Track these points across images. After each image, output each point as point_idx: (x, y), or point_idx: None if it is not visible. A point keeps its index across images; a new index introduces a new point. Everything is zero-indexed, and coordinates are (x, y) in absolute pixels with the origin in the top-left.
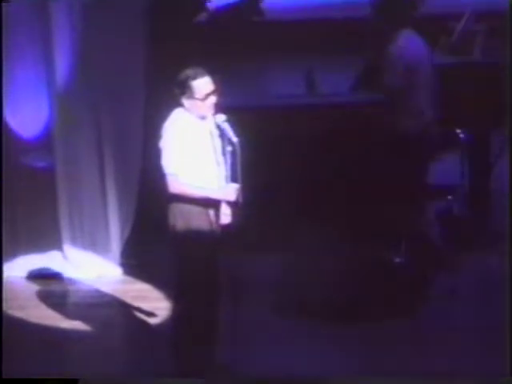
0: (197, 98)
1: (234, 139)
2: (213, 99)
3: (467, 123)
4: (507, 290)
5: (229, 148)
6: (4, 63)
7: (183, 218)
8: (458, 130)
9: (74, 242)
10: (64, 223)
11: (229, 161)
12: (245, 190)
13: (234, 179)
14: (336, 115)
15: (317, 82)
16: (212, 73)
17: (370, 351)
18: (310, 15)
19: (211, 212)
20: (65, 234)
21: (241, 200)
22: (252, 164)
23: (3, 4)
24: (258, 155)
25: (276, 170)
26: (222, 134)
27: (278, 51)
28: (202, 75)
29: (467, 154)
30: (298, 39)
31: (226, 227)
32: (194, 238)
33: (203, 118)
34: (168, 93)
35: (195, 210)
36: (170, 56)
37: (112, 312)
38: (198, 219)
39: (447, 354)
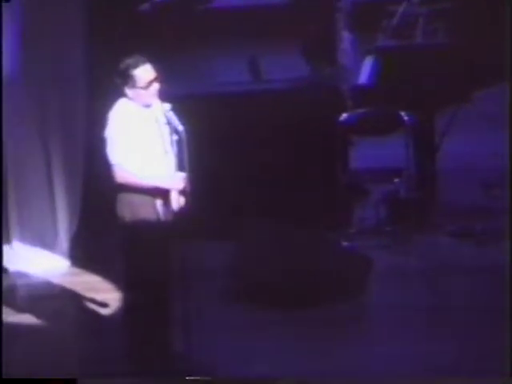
0: (139, 87)
1: (180, 128)
2: (156, 86)
3: (411, 105)
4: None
5: (175, 137)
6: None
7: (130, 209)
8: (402, 113)
9: (22, 235)
10: (12, 217)
11: (175, 149)
12: (192, 179)
13: (180, 168)
14: (281, 101)
15: (261, 69)
16: (155, 61)
17: (321, 335)
18: (253, 1)
19: (158, 201)
20: (13, 227)
21: (188, 189)
22: (199, 152)
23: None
24: (205, 143)
25: (223, 158)
26: (169, 123)
27: (223, 38)
28: (143, 63)
29: (412, 135)
30: (242, 25)
31: (176, 216)
32: (141, 228)
33: (148, 106)
34: (111, 82)
35: (142, 200)
36: (113, 46)
37: (61, 304)
38: (144, 209)
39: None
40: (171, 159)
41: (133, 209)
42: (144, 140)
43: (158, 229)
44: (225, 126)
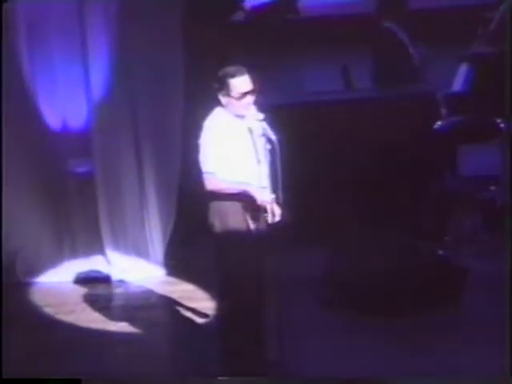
0: (232, 97)
1: (273, 137)
2: (249, 99)
3: (506, 112)
4: None
5: (268, 146)
6: (42, 66)
7: (220, 217)
8: (498, 120)
9: (117, 245)
10: (105, 227)
11: (269, 159)
12: (286, 188)
13: (273, 177)
14: (374, 110)
15: (353, 78)
16: (249, 71)
17: (415, 344)
18: (343, 11)
19: (249, 210)
20: (106, 238)
21: (281, 198)
22: (292, 161)
23: (4, 4)
24: (298, 152)
25: (316, 167)
26: (262, 133)
27: (314, 48)
28: (242, 74)
29: (508, 143)
30: (333, 35)
31: (268, 224)
32: (232, 236)
33: (240, 116)
34: (207, 91)
35: (232, 208)
36: (207, 55)
37: (158, 313)
38: (234, 218)
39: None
40: (264, 169)
41: (224, 217)
42: (236, 150)
43: (249, 237)
44: (317, 135)
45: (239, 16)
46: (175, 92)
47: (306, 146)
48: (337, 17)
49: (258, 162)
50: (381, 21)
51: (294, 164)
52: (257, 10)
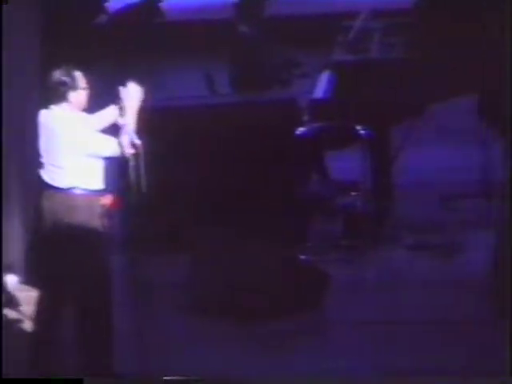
0: (81, 88)
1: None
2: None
3: (367, 119)
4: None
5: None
6: None
7: (70, 219)
8: (358, 126)
9: None
10: None
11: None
12: (148, 191)
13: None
14: (236, 115)
15: (216, 83)
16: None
17: (281, 348)
18: (209, 16)
19: (100, 212)
20: None
21: (144, 201)
22: (154, 165)
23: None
24: (160, 157)
25: (179, 172)
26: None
27: (177, 52)
28: (74, 70)
29: (368, 149)
30: (198, 40)
31: (126, 228)
32: (84, 240)
33: (84, 111)
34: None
35: (84, 212)
36: (68, 57)
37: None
38: (86, 222)
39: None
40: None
41: (76, 221)
42: (93, 156)
43: (101, 240)
44: (181, 141)
45: (102, 19)
46: (34, 94)
47: (168, 151)
48: (200, 22)
49: (112, 165)
50: (238, 26)
51: (157, 169)
52: (120, 12)
